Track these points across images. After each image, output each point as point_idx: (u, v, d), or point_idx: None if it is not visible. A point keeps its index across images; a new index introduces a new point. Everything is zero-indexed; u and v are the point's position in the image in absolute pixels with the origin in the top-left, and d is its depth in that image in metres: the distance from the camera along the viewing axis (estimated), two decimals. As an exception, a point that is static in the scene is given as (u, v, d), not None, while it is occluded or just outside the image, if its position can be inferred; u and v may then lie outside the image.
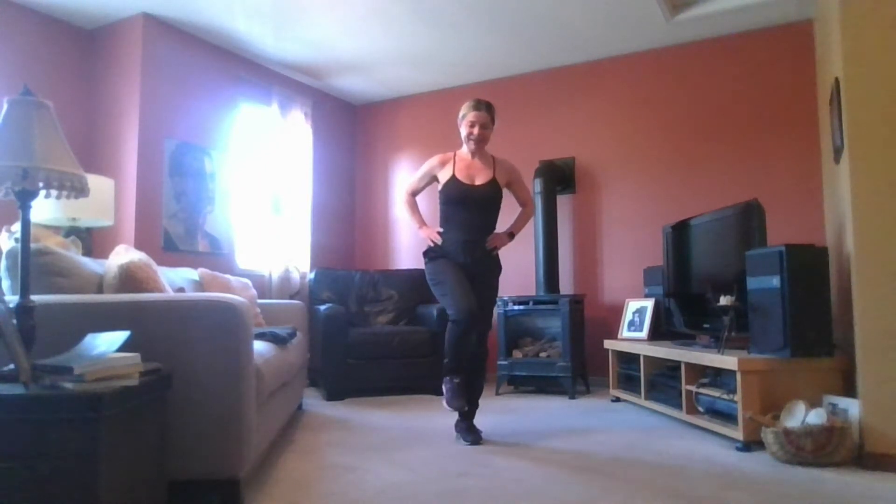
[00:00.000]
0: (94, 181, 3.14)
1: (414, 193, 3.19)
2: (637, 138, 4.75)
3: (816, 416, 2.54)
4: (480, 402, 3.10)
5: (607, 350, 4.16)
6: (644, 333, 3.97)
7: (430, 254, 3.04)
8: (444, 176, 3.05)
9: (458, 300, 2.85)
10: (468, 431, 2.93)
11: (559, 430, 3.19)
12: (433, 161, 3.12)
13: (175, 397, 1.89)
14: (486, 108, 3.01)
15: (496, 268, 3.10)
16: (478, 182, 3.02)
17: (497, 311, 4.47)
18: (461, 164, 3.05)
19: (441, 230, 3.05)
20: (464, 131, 3.03)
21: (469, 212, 3.00)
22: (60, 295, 2.03)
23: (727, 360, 2.80)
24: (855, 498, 2.06)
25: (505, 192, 3.11)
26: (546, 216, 4.64)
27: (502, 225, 3.11)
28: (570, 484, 2.24)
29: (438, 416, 3.52)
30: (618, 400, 4.04)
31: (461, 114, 3.05)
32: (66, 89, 4.13)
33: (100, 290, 2.27)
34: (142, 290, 2.27)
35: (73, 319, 1.91)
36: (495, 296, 3.11)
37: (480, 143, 3.02)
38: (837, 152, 2.96)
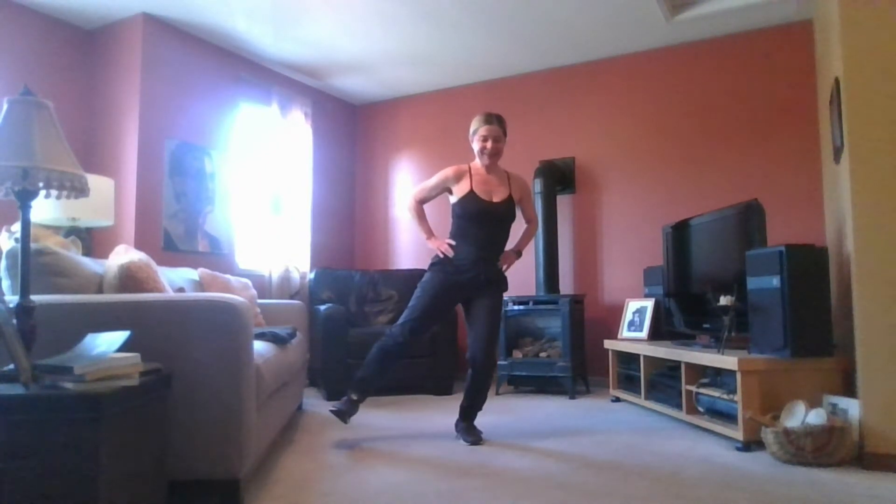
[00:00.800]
0: (94, 181, 3.15)
1: (422, 202, 3.13)
2: (637, 138, 4.75)
3: (816, 416, 2.55)
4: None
5: (607, 350, 4.16)
6: (644, 333, 3.97)
7: (436, 266, 3.01)
8: (459, 190, 3.01)
9: (413, 323, 2.92)
10: (468, 432, 2.94)
11: (559, 430, 3.19)
12: (448, 172, 3.07)
13: (175, 397, 1.89)
14: (497, 122, 3.00)
15: (503, 284, 3.09)
16: (496, 199, 3.00)
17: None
18: (478, 178, 3.02)
19: (452, 243, 3.01)
20: (476, 146, 3.01)
21: (485, 228, 2.98)
22: (60, 295, 2.03)
23: (727, 360, 2.80)
24: (855, 498, 2.06)
25: None
26: (546, 216, 4.64)
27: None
28: (570, 484, 2.24)
29: (438, 415, 3.52)
30: (618, 400, 4.04)
31: (472, 128, 3.03)
32: (66, 89, 4.13)
33: (100, 290, 2.27)
34: (142, 290, 2.27)
35: (73, 319, 1.91)
36: (500, 313, 3.08)
37: (494, 156, 3.00)
38: (837, 152, 2.96)
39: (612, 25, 4.33)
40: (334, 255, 5.65)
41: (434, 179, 3.11)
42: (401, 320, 2.96)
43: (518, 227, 3.17)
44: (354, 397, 2.91)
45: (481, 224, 2.98)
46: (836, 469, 2.41)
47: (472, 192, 2.98)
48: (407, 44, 4.61)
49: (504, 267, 3.07)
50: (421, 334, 2.98)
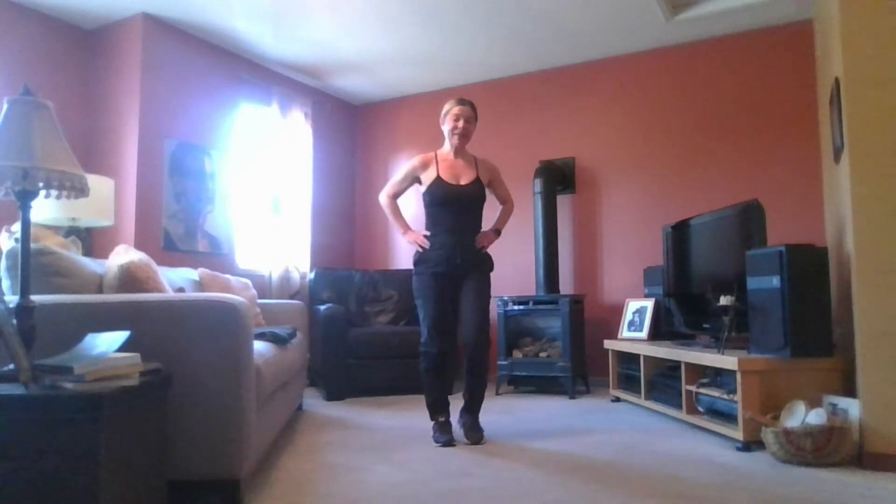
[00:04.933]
0: (94, 181, 3.15)
1: (395, 196, 3.16)
2: (637, 138, 4.75)
3: (816, 416, 2.55)
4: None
5: (607, 350, 4.16)
6: (644, 333, 3.97)
7: (418, 266, 3.02)
8: (427, 177, 3.04)
9: (432, 337, 2.94)
10: (471, 429, 2.93)
11: (559, 430, 3.19)
12: (414, 162, 3.11)
13: (175, 397, 1.89)
14: (469, 105, 3.05)
15: (487, 265, 3.09)
16: (463, 182, 3.02)
17: (497, 311, 4.47)
18: (444, 164, 3.05)
19: (428, 233, 3.03)
20: (448, 126, 3.05)
21: (456, 212, 3.00)
22: (60, 295, 2.03)
23: (727, 360, 2.80)
24: (855, 498, 2.06)
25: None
26: (546, 216, 4.64)
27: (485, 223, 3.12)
28: (569, 484, 2.24)
29: (438, 416, 3.52)
30: (618, 400, 4.04)
31: (444, 110, 3.08)
32: (66, 89, 4.13)
33: (100, 290, 2.27)
34: (142, 290, 2.27)
35: (73, 319, 1.91)
36: (489, 292, 3.07)
37: (464, 137, 3.03)
38: (837, 152, 2.96)
39: (612, 25, 4.33)
40: (334, 255, 5.65)
41: (402, 171, 3.15)
42: (423, 337, 2.98)
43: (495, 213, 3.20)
44: (441, 419, 2.95)
45: (451, 208, 3.00)
46: (836, 469, 2.41)
47: (438, 177, 3.01)
48: (407, 44, 4.61)
49: (482, 246, 3.06)
50: (448, 336, 2.98)
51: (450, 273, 2.97)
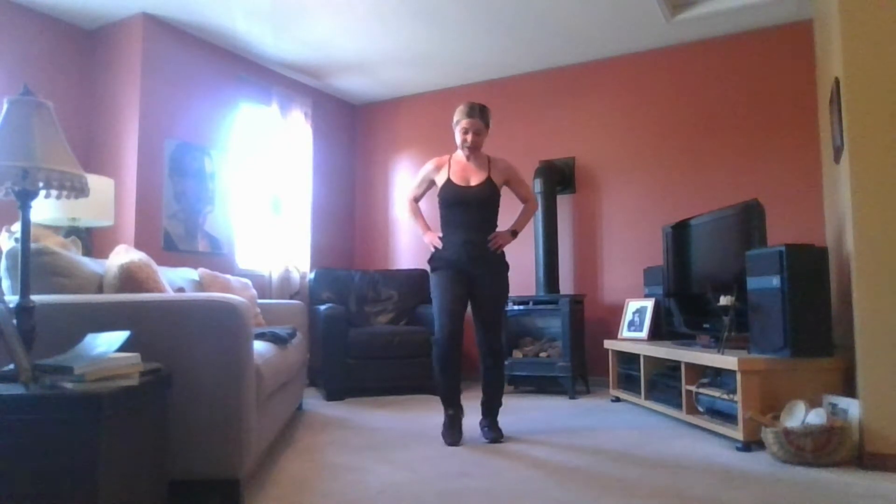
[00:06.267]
0: (94, 181, 3.15)
1: (416, 199, 3.23)
2: (637, 138, 4.75)
3: (816, 416, 2.55)
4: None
5: (607, 350, 4.16)
6: (644, 333, 3.97)
7: (433, 263, 3.08)
8: (440, 179, 3.10)
9: (442, 323, 2.96)
10: (490, 429, 2.97)
11: (559, 430, 3.19)
12: (429, 165, 3.17)
13: (175, 397, 1.89)
14: (479, 114, 3.02)
15: (501, 266, 3.10)
16: (473, 183, 3.04)
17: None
18: (456, 166, 3.09)
19: (441, 235, 3.08)
20: (458, 137, 3.06)
21: (466, 213, 3.03)
22: (60, 295, 2.03)
23: (727, 360, 2.80)
24: (855, 498, 2.06)
25: (505, 191, 3.13)
26: (546, 216, 4.64)
27: (504, 224, 3.13)
28: (569, 484, 2.24)
29: (438, 415, 3.51)
30: (618, 400, 4.04)
31: (455, 119, 3.07)
32: (66, 89, 4.13)
33: (100, 290, 2.27)
34: (142, 290, 2.27)
35: (73, 319, 1.91)
36: (505, 294, 3.12)
37: (474, 149, 3.05)
38: (837, 152, 2.96)
39: (612, 25, 4.33)
40: (334, 255, 5.65)
41: (419, 175, 3.21)
42: (435, 335, 3.00)
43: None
44: (451, 411, 2.98)
45: (461, 209, 3.03)
46: (836, 469, 2.41)
47: (448, 179, 3.06)
48: (407, 44, 4.61)
49: (495, 246, 3.05)
50: (459, 331, 2.98)
51: (460, 272, 3.01)
